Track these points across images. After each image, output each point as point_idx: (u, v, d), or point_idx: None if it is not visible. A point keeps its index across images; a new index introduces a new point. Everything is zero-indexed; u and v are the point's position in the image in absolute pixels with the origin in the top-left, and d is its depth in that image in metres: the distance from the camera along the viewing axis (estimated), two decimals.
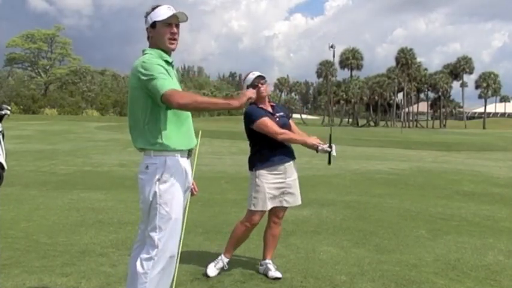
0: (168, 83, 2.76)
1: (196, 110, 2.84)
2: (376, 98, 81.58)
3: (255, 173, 4.12)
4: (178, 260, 3.18)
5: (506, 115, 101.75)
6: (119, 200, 7.57)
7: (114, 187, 9.04)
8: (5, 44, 77.51)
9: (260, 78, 4.16)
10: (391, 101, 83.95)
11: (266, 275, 4.17)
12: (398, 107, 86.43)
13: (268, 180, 4.08)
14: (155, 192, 2.85)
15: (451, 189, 10.06)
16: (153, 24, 2.95)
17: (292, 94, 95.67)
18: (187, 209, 3.27)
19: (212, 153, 16.19)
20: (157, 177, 2.85)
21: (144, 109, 2.86)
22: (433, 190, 9.86)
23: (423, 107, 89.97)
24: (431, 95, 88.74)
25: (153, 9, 2.97)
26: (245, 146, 4.24)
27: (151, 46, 3.00)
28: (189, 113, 3.05)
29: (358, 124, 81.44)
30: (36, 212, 6.58)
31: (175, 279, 3.21)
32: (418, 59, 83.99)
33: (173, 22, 2.95)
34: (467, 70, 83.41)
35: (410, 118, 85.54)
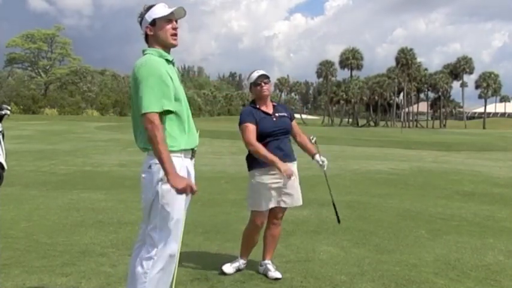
0: (156, 101, 2.75)
1: (149, 138, 2.76)
2: (376, 98, 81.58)
3: (251, 173, 4.13)
4: (178, 260, 3.18)
5: (506, 115, 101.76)
6: (119, 200, 7.57)
7: (114, 187, 9.04)
8: (5, 44, 77.51)
9: (264, 77, 4.15)
10: (391, 101, 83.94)
11: (266, 275, 4.17)
12: (398, 107, 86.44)
13: (264, 180, 4.07)
14: (157, 192, 2.84)
15: (451, 189, 10.06)
16: (153, 22, 2.94)
17: (292, 94, 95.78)
18: (187, 209, 3.27)
19: (212, 153, 16.18)
20: (159, 177, 2.83)
21: None
22: (433, 190, 9.86)
23: (423, 107, 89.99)
24: (431, 95, 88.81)
25: (149, 7, 2.97)
26: (243, 146, 4.24)
27: (151, 45, 2.98)
28: (189, 112, 3.04)
29: (358, 124, 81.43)
30: (36, 212, 6.58)
31: (175, 279, 3.21)
32: (418, 59, 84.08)
33: (173, 18, 2.95)
34: (467, 70, 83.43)
35: (410, 118, 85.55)
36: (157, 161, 2.82)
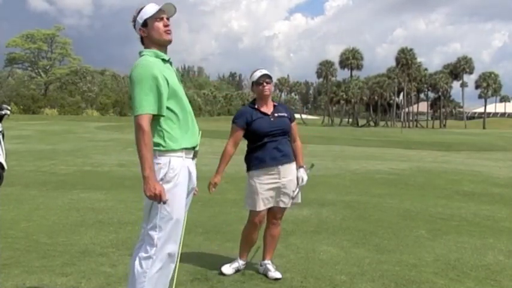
0: (146, 104, 2.77)
1: (136, 139, 2.79)
2: (376, 98, 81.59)
3: (250, 174, 4.14)
4: (178, 260, 3.18)
5: (506, 115, 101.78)
6: (119, 200, 7.57)
7: (114, 187, 9.04)
8: (5, 44, 77.48)
9: (266, 77, 4.15)
10: (391, 101, 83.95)
11: (266, 275, 4.17)
12: (398, 107, 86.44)
13: (262, 180, 4.08)
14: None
15: (451, 189, 10.06)
16: (145, 23, 2.95)
17: (292, 94, 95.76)
18: (187, 209, 3.27)
19: (212, 153, 16.17)
20: (160, 176, 2.84)
21: None
22: (433, 190, 9.86)
23: (423, 107, 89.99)
24: (431, 95, 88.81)
25: (139, 10, 2.98)
26: (245, 145, 4.25)
27: (147, 46, 2.99)
28: (190, 110, 3.04)
29: (358, 124, 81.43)
30: (36, 212, 6.58)
31: (175, 279, 3.21)
32: (418, 59, 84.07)
33: (163, 16, 2.96)
34: (467, 70, 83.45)
35: (410, 118, 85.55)
36: (158, 161, 2.83)
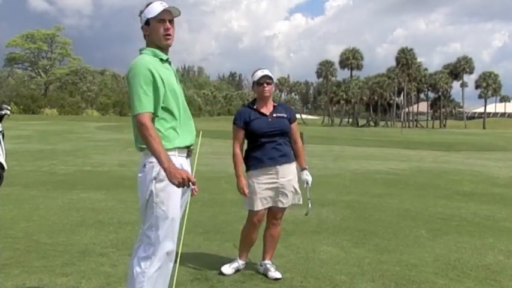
0: (146, 102, 2.78)
1: (142, 138, 2.79)
2: (376, 98, 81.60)
3: (249, 174, 4.15)
4: (178, 260, 3.18)
5: (506, 115, 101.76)
6: (119, 200, 7.57)
7: (114, 187, 9.04)
8: (5, 44, 77.52)
9: (267, 77, 4.14)
10: (391, 101, 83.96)
11: (266, 275, 4.17)
12: (398, 107, 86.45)
13: (260, 180, 4.08)
14: (151, 191, 2.85)
15: (451, 189, 10.06)
16: (147, 22, 2.94)
17: (292, 94, 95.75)
18: (187, 209, 3.27)
19: (212, 153, 16.19)
20: (153, 175, 2.84)
21: None
22: (433, 190, 9.86)
23: (423, 107, 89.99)
24: (431, 95, 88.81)
25: (146, 6, 2.96)
26: (245, 146, 4.25)
27: (148, 44, 2.99)
28: (187, 110, 3.04)
29: (358, 124, 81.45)
30: (36, 212, 6.58)
31: (175, 279, 3.21)
32: (418, 59, 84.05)
33: (166, 18, 2.93)
34: (468, 70, 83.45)
35: (410, 118, 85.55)
36: (151, 160, 2.84)
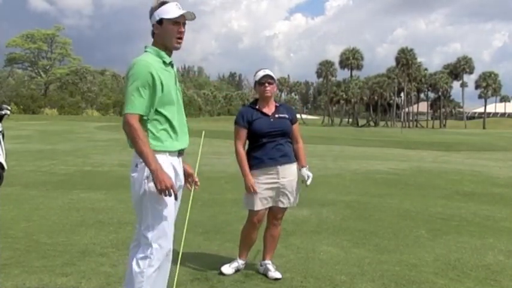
0: (138, 104, 2.78)
1: (129, 138, 2.80)
2: (376, 98, 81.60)
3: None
4: (179, 260, 3.18)
5: (506, 115, 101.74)
6: (118, 200, 7.57)
7: (114, 187, 9.03)
8: (5, 44, 77.52)
9: (268, 77, 4.14)
10: (391, 101, 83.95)
11: (266, 275, 4.17)
12: (398, 107, 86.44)
13: (260, 180, 4.08)
14: (145, 191, 2.85)
15: (451, 189, 10.06)
16: (160, 21, 2.90)
17: (292, 94, 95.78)
18: (189, 209, 3.28)
19: (212, 153, 16.20)
20: (145, 175, 2.84)
21: None
22: (433, 190, 9.86)
23: (423, 107, 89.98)
24: (431, 95, 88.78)
25: (161, 4, 2.92)
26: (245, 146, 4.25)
27: (155, 43, 2.96)
28: (182, 114, 3.04)
29: (358, 124, 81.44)
30: (36, 212, 6.58)
31: (176, 279, 3.20)
32: (418, 59, 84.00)
33: (181, 21, 2.92)
34: (467, 70, 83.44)
35: (410, 118, 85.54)
36: (141, 160, 2.83)
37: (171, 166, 2.93)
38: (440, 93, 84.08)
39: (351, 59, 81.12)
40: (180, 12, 2.88)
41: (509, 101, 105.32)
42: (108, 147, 19.24)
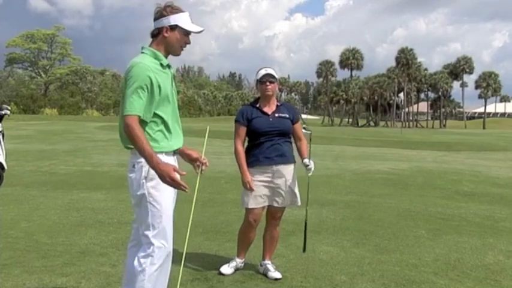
0: (138, 106, 2.81)
1: (129, 139, 2.83)
2: (376, 98, 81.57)
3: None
4: (183, 260, 3.20)
5: (506, 115, 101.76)
6: (119, 200, 7.57)
7: (114, 187, 9.03)
8: (5, 44, 77.59)
9: (269, 76, 4.15)
10: (391, 101, 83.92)
11: (266, 275, 4.17)
12: (398, 107, 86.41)
13: (256, 178, 4.09)
14: (143, 191, 2.88)
15: (451, 189, 10.06)
16: (174, 27, 2.93)
17: (292, 94, 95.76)
18: (192, 209, 3.29)
19: (212, 153, 16.19)
20: (143, 175, 2.87)
21: None
22: (433, 190, 9.86)
23: (423, 107, 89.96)
24: (431, 95, 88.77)
25: (175, 10, 2.93)
26: (245, 145, 4.26)
27: (157, 44, 2.97)
28: (176, 116, 3.07)
29: (358, 124, 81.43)
30: (36, 212, 6.58)
31: (180, 279, 3.20)
32: (418, 59, 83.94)
33: (191, 32, 2.99)
34: (467, 70, 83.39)
35: (410, 118, 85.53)
36: (139, 160, 2.87)
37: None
38: (440, 93, 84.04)
39: (351, 59, 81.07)
40: (198, 28, 2.97)
41: (509, 101, 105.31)
42: (108, 147, 19.23)
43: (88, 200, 7.57)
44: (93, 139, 23.74)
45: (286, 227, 5.82)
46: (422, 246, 5.28)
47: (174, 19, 2.92)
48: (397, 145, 26.69)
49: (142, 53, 2.96)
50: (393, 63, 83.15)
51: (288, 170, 4.16)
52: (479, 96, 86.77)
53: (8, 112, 4.94)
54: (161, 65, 2.94)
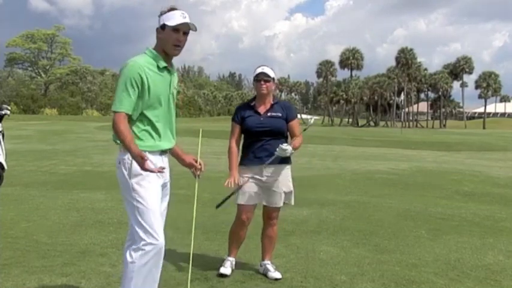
0: (126, 103, 2.90)
1: (115, 134, 2.97)
2: (376, 98, 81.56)
3: (238, 169, 4.18)
4: (191, 261, 3.22)
5: (506, 115, 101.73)
6: (118, 200, 7.55)
7: (114, 187, 9.01)
8: (5, 44, 77.61)
9: (264, 75, 4.14)
10: (391, 101, 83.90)
11: (266, 275, 4.17)
12: (398, 107, 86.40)
13: (247, 175, 4.11)
14: (129, 187, 2.95)
15: (451, 189, 10.06)
16: (163, 26, 2.99)
17: (292, 94, 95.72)
18: (194, 210, 3.30)
19: (212, 153, 16.19)
20: (127, 172, 2.95)
21: None
22: (433, 190, 9.86)
23: (423, 107, 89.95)
24: (431, 95, 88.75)
25: (168, 10, 3.00)
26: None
27: (157, 46, 3.05)
28: (171, 116, 3.12)
29: (358, 124, 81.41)
30: (36, 212, 6.58)
31: (189, 279, 3.19)
32: (418, 59, 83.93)
33: (181, 29, 2.99)
34: (467, 70, 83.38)
35: (410, 118, 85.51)
36: (123, 157, 2.97)
37: (153, 163, 2.98)
38: (440, 93, 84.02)
39: (351, 59, 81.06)
40: (182, 21, 2.95)
41: (509, 101, 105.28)
42: (108, 147, 19.21)
43: (88, 200, 7.57)
44: (93, 139, 23.75)
45: (286, 227, 5.82)
46: (422, 246, 5.28)
47: (162, 19, 2.99)
48: (397, 145, 26.69)
49: (143, 53, 3.02)
50: (393, 63, 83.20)
51: (279, 170, 4.12)
52: (479, 96, 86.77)
53: (8, 112, 4.94)
54: (158, 67, 2.98)
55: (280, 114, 4.16)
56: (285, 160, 4.14)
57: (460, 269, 4.53)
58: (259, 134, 4.10)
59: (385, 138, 35.07)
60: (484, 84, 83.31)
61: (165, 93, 3.03)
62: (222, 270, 4.17)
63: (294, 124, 4.24)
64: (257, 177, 4.12)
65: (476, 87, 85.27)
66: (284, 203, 4.23)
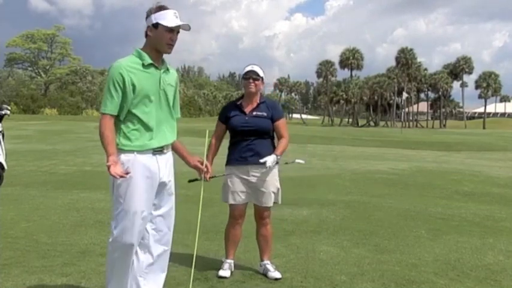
0: (109, 105, 2.96)
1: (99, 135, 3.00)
2: (376, 98, 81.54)
3: (226, 168, 4.19)
4: (194, 262, 3.22)
5: (506, 115, 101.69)
6: None
7: None
8: (5, 44, 77.58)
9: (252, 73, 4.11)
10: (391, 101, 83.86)
11: (266, 275, 4.17)
12: (398, 107, 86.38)
13: (235, 174, 4.11)
14: (113, 185, 3.06)
15: (451, 189, 10.06)
16: (156, 25, 2.98)
17: (292, 94, 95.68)
18: (200, 211, 3.29)
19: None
20: None
21: None
22: (433, 190, 9.86)
23: (423, 107, 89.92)
24: (431, 95, 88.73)
25: (158, 9, 2.99)
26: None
27: (146, 44, 3.05)
28: (165, 113, 3.12)
29: (358, 124, 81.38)
30: (36, 212, 6.58)
31: (191, 280, 3.19)
32: (418, 59, 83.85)
33: (175, 29, 3.01)
34: (467, 70, 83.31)
35: (410, 118, 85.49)
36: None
37: (140, 164, 3.02)
38: (440, 93, 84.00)
39: (351, 59, 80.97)
40: (177, 22, 2.97)
41: (509, 101, 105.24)
42: None
43: (88, 200, 7.57)
44: (93, 139, 23.71)
45: (286, 227, 5.83)
46: (422, 246, 5.28)
47: (155, 17, 2.98)
48: (397, 145, 26.68)
49: (131, 53, 3.06)
50: (393, 63, 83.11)
51: (264, 170, 4.06)
52: (479, 96, 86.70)
53: (8, 112, 4.93)
54: (143, 64, 2.99)
55: (265, 114, 4.12)
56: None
57: (460, 269, 4.53)
58: (244, 134, 4.09)
59: (385, 138, 35.05)
60: (484, 84, 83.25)
61: (153, 89, 3.03)
62: (221, 273, 4.15)
63: (280, 124, 4.18)
64: (244, 177, 4.11)
65: (476, 87, 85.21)
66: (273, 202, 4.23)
